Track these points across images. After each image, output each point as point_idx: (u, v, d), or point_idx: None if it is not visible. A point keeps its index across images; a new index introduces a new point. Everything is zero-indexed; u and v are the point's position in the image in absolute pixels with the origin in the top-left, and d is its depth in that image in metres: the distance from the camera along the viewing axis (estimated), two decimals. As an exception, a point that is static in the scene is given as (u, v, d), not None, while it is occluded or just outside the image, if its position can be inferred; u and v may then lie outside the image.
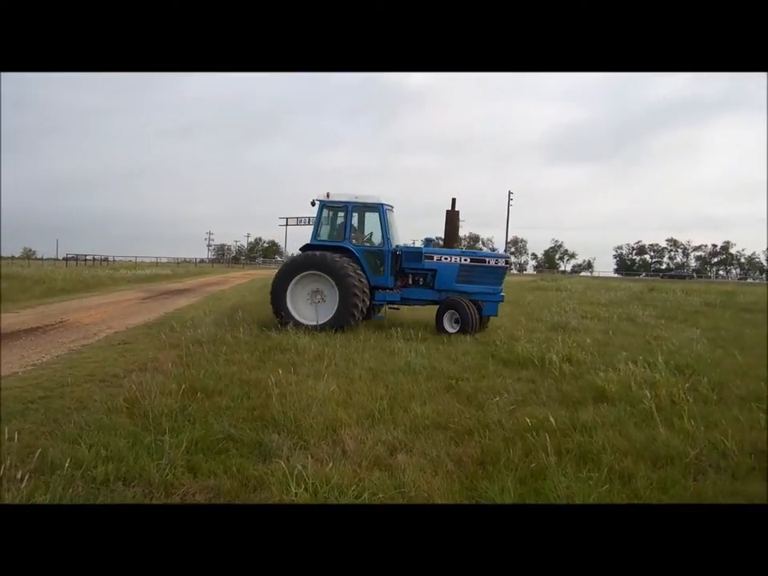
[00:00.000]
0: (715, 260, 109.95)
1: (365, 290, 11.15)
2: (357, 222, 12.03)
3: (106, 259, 59.74)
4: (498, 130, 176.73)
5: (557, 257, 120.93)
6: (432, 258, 11.72)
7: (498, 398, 5.83)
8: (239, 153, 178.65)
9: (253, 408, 5.48)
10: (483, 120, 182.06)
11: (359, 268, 11.30)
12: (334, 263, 10.99)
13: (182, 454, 4.18)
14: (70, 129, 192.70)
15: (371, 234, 12.07)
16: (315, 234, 11.78)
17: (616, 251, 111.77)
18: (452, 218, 12.53)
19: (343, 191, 11.84)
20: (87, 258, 55.24)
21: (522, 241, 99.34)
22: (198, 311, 13.95)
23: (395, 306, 12.57)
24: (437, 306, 11.69)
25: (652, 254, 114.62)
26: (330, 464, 4.00)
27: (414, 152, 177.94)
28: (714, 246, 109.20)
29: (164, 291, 22.69)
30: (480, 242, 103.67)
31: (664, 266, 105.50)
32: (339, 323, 10.77)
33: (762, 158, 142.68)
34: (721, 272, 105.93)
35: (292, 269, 11.46)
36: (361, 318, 11.13)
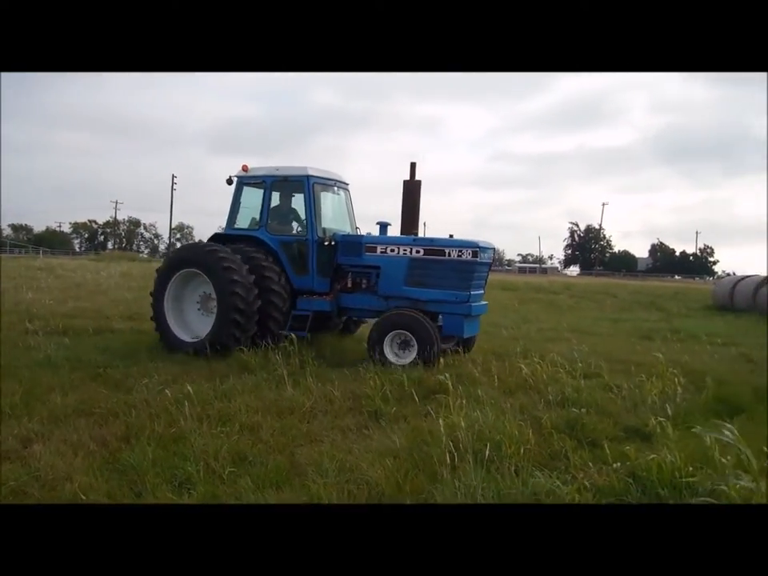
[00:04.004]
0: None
1: (279, 294, 8.20)
2: (281, 203, 8.96)
3: None
4: (164, 118, 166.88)
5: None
6: (375, 249, 8.41)
7: (147, 380, 6.07)
8: None
9: None
10: (147, 107, 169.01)
11: (275, 264, 8.36)
12: (208, 256, 8.00)
13: None
14: None
15: (295, 218, 8.97)
16: (231, 220, 8.89)
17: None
18: (412, 190, 8.96)
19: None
20: None
21: (188, 227, 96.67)
22: None
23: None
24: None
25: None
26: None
27: (69, 128, 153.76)
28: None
29: None
30: (142, 227, 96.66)
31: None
32: (217, 342, 7.72)
33: (395, 170, 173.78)
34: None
35: (167, 268, 8.50)
36: (251, 335, 8.01)
